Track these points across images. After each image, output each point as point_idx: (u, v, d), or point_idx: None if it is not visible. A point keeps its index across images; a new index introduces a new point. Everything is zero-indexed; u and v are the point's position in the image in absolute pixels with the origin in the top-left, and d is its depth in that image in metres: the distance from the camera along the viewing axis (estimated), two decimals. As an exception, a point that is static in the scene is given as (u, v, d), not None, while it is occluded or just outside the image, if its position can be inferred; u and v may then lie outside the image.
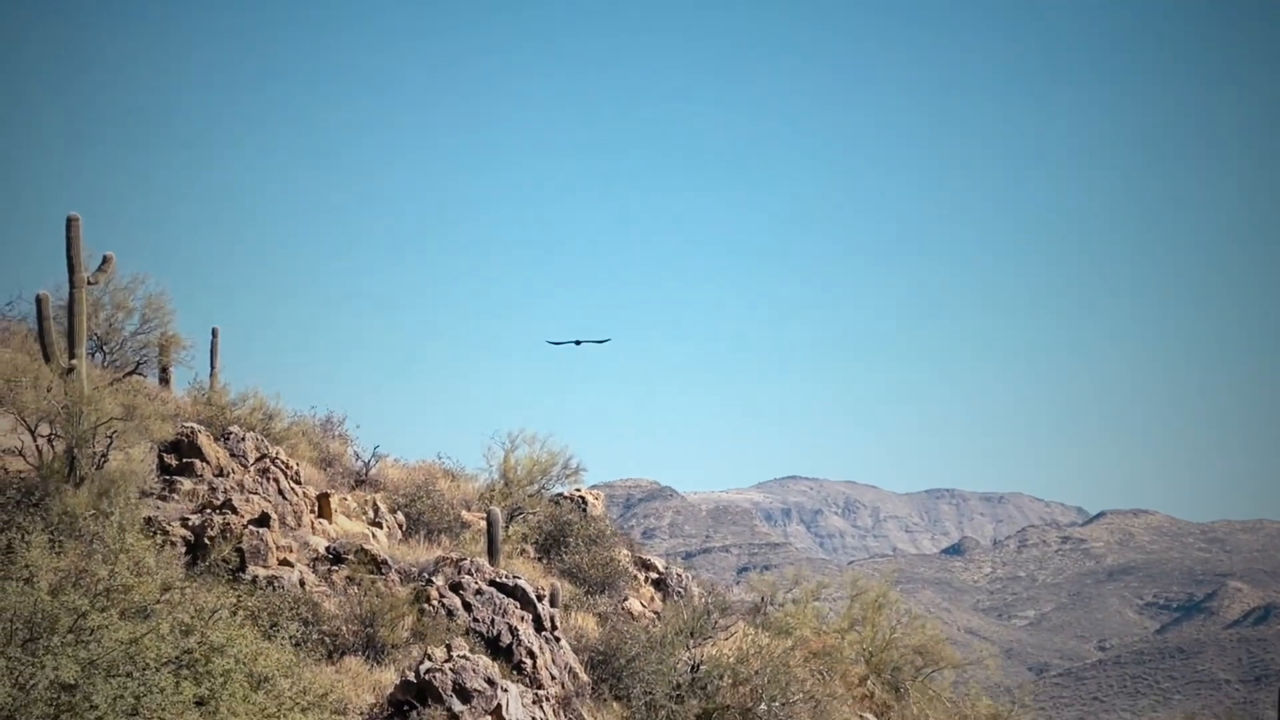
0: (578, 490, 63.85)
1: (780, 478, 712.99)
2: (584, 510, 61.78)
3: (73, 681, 28.23)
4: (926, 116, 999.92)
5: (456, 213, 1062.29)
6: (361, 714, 39.40)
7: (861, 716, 53.16)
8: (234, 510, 44.47)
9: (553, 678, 45.09)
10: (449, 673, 40.30)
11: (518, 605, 45.76)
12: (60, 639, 29.05)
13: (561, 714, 43.76)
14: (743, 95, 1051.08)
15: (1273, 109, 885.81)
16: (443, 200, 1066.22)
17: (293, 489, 49.03)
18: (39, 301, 50.00)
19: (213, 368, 58.57)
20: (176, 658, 30.17)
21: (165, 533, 41.75)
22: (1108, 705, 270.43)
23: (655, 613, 56.19)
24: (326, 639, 41.67)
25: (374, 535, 50.41)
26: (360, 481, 57.45)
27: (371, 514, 52.61)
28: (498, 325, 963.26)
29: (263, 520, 44.59)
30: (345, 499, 52.52)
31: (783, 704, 46.13)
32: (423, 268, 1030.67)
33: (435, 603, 44.96)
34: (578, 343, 56.85)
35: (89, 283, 49.90)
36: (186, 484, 46.88)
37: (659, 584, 61.01)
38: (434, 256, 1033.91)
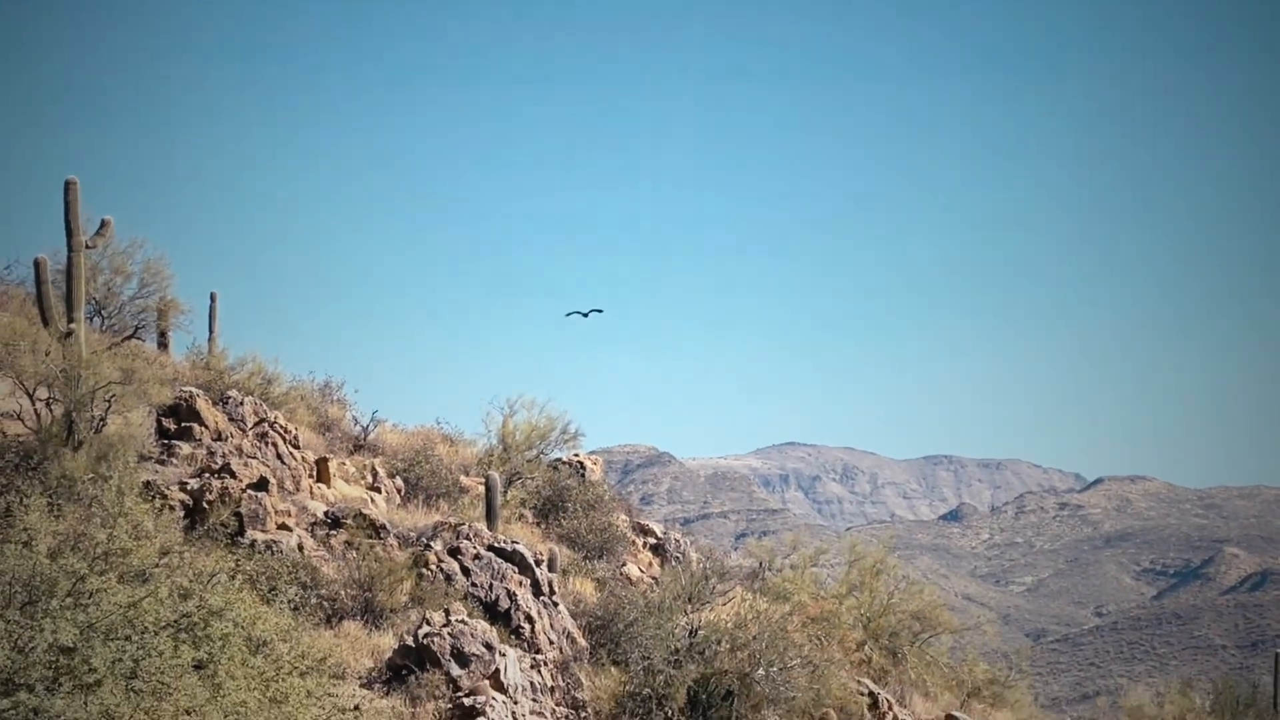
0: (576, 455, 63.84)
1: (778, 444, 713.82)
2: (582, 475, 61.80)
3: (71, 645, 28.22)
4: (924, 96, 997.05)
5: (456, 177, 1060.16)
6: (360, 678, 39.46)
7: (859, 681, 53.21)
8: (232, 474, 44.45)
9: (551, 642, 45.14)
10: (447, 637, 40.35)
11: (516, 570, 45.78)
12: (59, 602, 29.03)
13: (559, 678, 43.83)
14: (743, 77, 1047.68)
15: (1264, 84, 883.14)
16: (442, 165, 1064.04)
17: (291, 453, 49.04)
18: (37, 265, 49.86)
19: (211, 332, 58.49)
20: (175, 621, 30.16)
21: (164, 497, 41.68)
22: (1104, 670, 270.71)
23: (653, 578, 56.26)
24: (325, 603, 41.69)
25: (372, 500, 50.43)
26: (359, 446, 57.47)
27: (370, 479, 52.62)
28: (497, 290, 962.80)
29: (261, 484, 44.57)
30: (344, 463, 52.52)
31: (780, 669, 46.13)
32: (422, 232, 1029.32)
33: (433, 567, 44.97)
34: (594, 312, 56.72)
35: (87, 246, 49.78)
36: (185, 448, 46.87)
37: (657, 549, 61.10)
38: (434, 221, 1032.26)
